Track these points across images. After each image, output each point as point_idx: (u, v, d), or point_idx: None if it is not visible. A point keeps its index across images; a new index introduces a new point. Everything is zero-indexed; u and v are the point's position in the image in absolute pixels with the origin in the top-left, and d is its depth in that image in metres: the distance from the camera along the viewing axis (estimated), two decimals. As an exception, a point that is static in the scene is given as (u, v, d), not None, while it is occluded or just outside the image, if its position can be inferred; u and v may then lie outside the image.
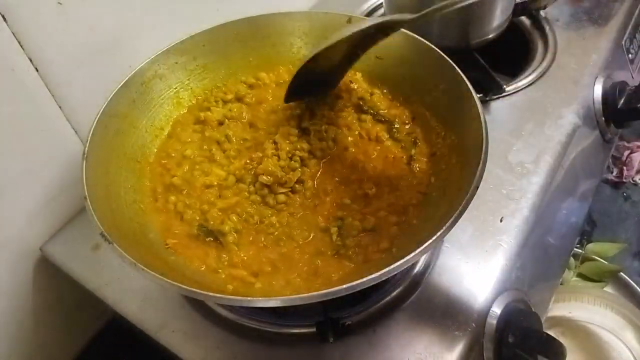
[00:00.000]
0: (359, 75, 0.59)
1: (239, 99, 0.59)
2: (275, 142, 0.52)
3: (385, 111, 0.57)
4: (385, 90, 0.59)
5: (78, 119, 0.60)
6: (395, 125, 0.56)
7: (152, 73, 0.55)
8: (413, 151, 0.53)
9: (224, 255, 0.46)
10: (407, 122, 0.56)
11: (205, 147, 0.55)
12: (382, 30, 0.50)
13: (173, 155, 0.54)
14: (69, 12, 0.54)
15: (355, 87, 0.59)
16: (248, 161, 0.52)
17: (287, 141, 0.53)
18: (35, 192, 0.60)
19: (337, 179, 0.51)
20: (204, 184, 0.51)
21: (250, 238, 0.47)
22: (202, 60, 0.59)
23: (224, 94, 0.59)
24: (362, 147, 0.54)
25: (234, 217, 0.48)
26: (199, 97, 0.60)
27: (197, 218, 0.48)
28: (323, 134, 0.54)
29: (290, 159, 0.51)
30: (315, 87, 0.56)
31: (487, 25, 0.72)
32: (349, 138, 0.54)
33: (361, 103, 0.57)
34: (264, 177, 0.49)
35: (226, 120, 0.57)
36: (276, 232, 0.48)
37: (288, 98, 0.56)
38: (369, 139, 0.55)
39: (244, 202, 0.49)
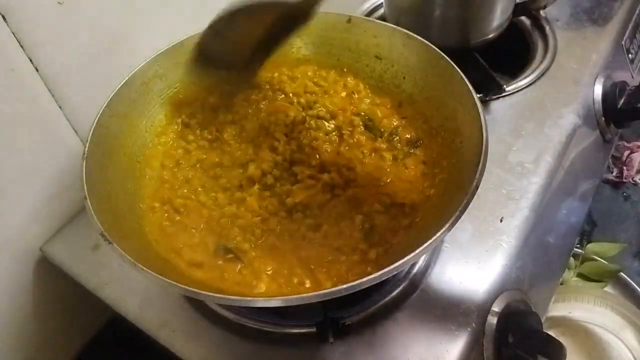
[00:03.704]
0: (361, 85, 0.59)
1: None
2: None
3: (388, 120, 0.56)
4: (384, 95, 0.58)
5: (78, 119, 0.60)
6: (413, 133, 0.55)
7: (152, 73, 0.55)
8: (421, 153, 0.53)
9: (245, 269, 0.45)
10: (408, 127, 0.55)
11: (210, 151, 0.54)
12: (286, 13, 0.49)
13: (176, 171, 0.53)
14: (69, 12, 0.54)
15: (357, 97, 0.59)
16: (254, 167, 0.52)
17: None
18: (35, 192, 0.60)
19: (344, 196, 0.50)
20: (213, 199, 0.50)
21: (263, 248, 0.46)
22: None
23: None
24: (371, 163, 0.52)
25: (250, 236, 0.47)
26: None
27: (214, 239, 0.47)
28: (344, 171, 0.51)
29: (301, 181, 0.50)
30: (229, 62, 0.55)
31: (487, 26, 0.72)
32: (359, 165, 0.52)
33: (363, 113, 0.56)
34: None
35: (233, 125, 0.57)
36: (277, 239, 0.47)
37: (194, 63, 0.53)
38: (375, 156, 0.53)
39: (258, 221, 0.48)
